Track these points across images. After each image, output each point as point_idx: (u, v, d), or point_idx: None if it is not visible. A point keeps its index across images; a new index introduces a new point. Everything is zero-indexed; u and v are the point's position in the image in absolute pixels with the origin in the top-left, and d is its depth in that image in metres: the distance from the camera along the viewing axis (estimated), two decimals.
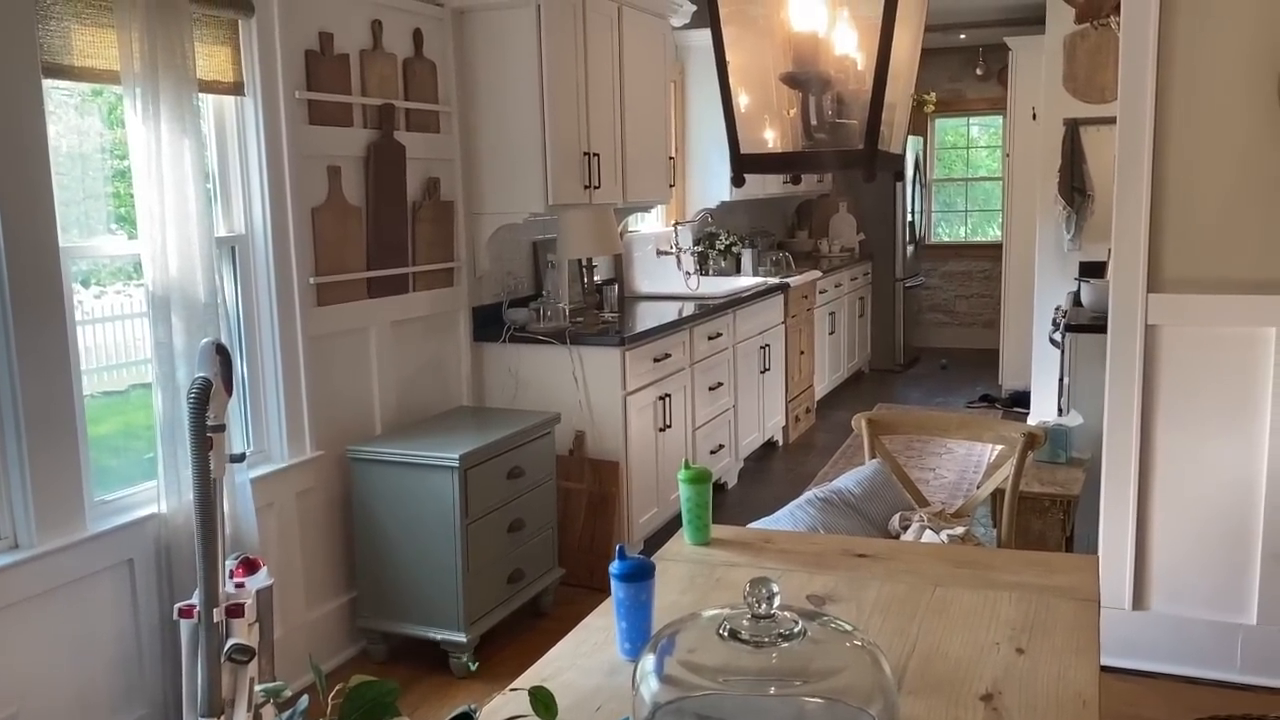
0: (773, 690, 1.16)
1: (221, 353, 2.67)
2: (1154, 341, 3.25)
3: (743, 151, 1.23)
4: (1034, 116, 6.82)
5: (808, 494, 2.86)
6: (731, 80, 1.20)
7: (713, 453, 5.12)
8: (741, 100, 1.22)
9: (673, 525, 4.62)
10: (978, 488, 3.36)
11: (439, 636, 3.42)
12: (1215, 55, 3.08)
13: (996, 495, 3.24)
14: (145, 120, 2.71)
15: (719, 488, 5.30)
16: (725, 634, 1.14)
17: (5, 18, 2.45)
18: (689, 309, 4.89)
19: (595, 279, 4.90)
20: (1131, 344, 3.26)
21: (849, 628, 1.20)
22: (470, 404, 4.27)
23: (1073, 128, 5.90)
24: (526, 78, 4.03)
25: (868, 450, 2.98)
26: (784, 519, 2.78)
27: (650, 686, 1.15)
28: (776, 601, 1.15)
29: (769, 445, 6.14)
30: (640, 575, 1.79)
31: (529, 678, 1.65)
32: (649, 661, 1.17)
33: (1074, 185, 5.89)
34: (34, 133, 2.52)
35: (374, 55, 3.64)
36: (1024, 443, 2.78)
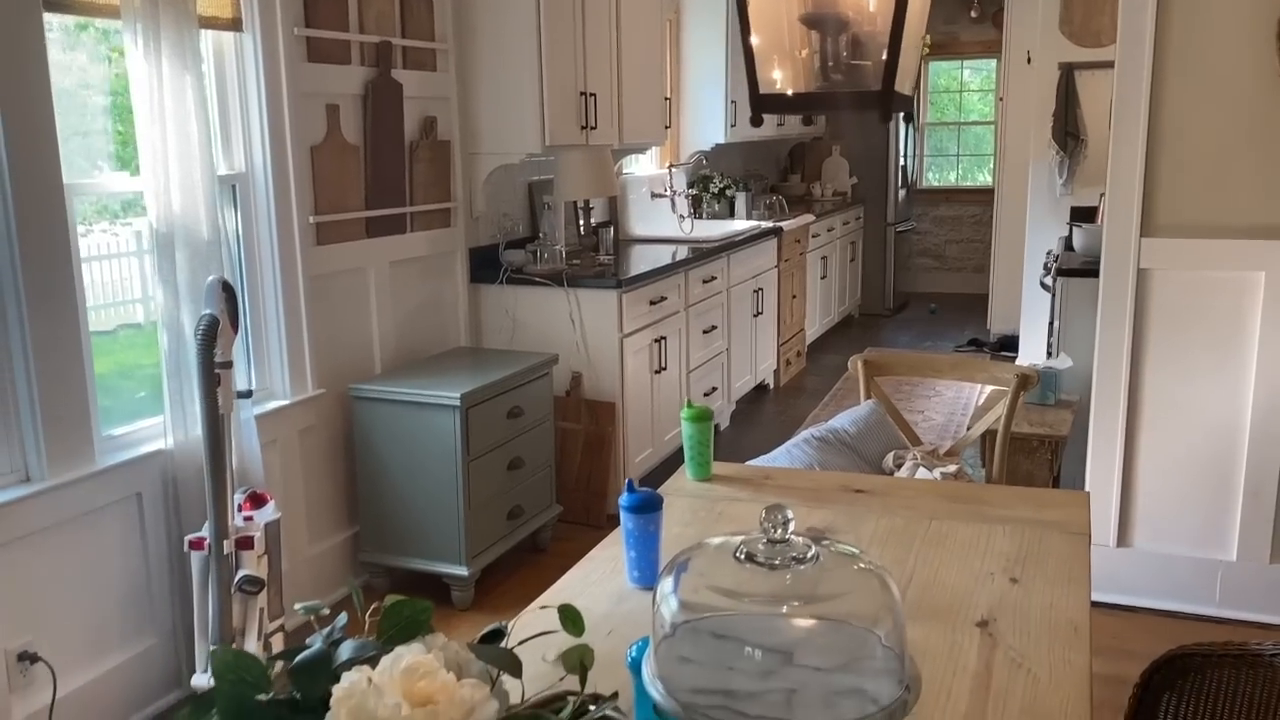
0: (785, 610, 1.22)
1: (227, 290, 2.71)
2: (1145, 285, 3.30)
3: (761, 92, 1.26)
4: (1029, 60, 6.80)
5: (805, 433, 2.92)
6: (751, 21, 1.23)
7: (706, 395, 5.18)
8: (760, 41, 1.25)
9: (667, 465, 4.70)
10: (967, 429, 3.42)
11: (441, 570, 3.49)
12: (1214, 2, 3.09)
13: (986, 436, 3.31)
14: (146, 56, 2.69)
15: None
16: (741, 557, 1.19)
17: None
18: (683, 252, 4.91)
19: (592, 221, 4.90)
20: (1123, 287, 3.31)
21: (858, 552, 1.25)
22: (468, 344, 4.30)
23: (1068, 72, 5.89)
24: (524, 15, 4.00)
25: (863, 390, 3.03)
26: (781, 457, 2.84)
27: (670, 606, 1.20)
28: (791, 527, 1.20)
29: (760, 388, 6.20)
30: (649, 507, 1.84)
31: (543, 602, 1.70)
32: (668, 583, 1.22)
33: (1067, 130, 5.90)
34: (36, 66, 2.51)
35: None
36: (1017, 383, 2.83)
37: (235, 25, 3.12)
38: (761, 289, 5.86)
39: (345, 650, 1.05)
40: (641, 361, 4.40)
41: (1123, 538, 3.46)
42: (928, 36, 9.26)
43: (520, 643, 1.22)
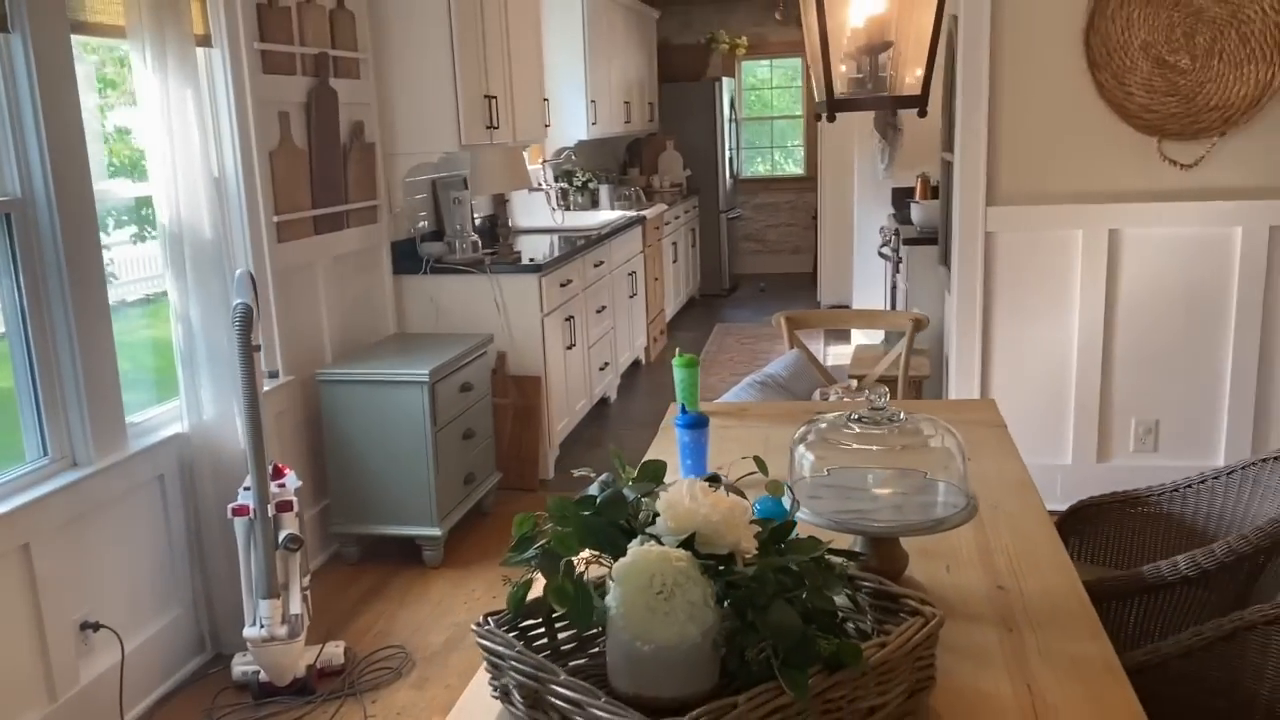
0: (878, 450, 1.74)
1: (252, 280, 3.00)
2: (991, 245, 4.05)
3: (835, 96, 1.76)
4: None
5: (747, 379, 3.47)
6: (830, 44, 1.73)
7: (600, 369, 5.66)
8: (833, 59, 1.75)
9: (583, 428, 5.19)
10: (861, 377, 4.07)
11: (414, 532, 3.83)
12: (1036, 10, 3.85)
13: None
14: (155, 72, 2.94)
15: (604, 402, 5.86)
16: (854, 418, 1.72)
17: None
18: (563, 242, 5.36)
19: (505, 214, 5.27)
20: (974, 249, 4.04)
21: (932, 418, 1.79)
22: (396, 331, 4.62)
23: None
24: (436, 25, 4.35)
25: (786, 341, 3.62)
26: (731, 399, 3.38)
27: (807, 458, 1.71)
28: (887, 398, 1.73)
29: (635, 364, 6.74)
30: (700, 425, 2.33)
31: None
32: (801, 448, 1.73)
33: (887, 121, 6.73)
34: (68, 84, 2.72)
35: (308, 7, 3.89)
36: (913, 326, 3.49)
37: (206, 41, 3.37)
38: (635, 272, 6.39)
39: (628, 492, 1.50)
40: (557, 339, 4.84)
41: None
42: (744, 38, 10.07)
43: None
